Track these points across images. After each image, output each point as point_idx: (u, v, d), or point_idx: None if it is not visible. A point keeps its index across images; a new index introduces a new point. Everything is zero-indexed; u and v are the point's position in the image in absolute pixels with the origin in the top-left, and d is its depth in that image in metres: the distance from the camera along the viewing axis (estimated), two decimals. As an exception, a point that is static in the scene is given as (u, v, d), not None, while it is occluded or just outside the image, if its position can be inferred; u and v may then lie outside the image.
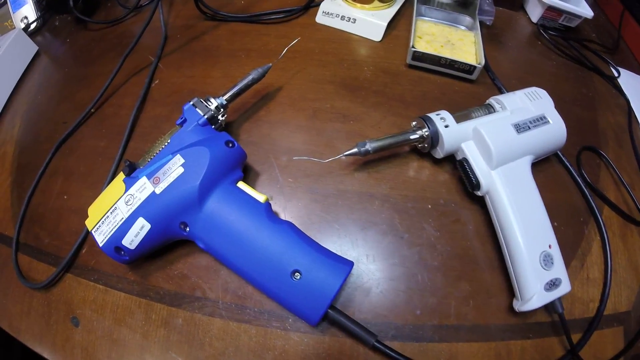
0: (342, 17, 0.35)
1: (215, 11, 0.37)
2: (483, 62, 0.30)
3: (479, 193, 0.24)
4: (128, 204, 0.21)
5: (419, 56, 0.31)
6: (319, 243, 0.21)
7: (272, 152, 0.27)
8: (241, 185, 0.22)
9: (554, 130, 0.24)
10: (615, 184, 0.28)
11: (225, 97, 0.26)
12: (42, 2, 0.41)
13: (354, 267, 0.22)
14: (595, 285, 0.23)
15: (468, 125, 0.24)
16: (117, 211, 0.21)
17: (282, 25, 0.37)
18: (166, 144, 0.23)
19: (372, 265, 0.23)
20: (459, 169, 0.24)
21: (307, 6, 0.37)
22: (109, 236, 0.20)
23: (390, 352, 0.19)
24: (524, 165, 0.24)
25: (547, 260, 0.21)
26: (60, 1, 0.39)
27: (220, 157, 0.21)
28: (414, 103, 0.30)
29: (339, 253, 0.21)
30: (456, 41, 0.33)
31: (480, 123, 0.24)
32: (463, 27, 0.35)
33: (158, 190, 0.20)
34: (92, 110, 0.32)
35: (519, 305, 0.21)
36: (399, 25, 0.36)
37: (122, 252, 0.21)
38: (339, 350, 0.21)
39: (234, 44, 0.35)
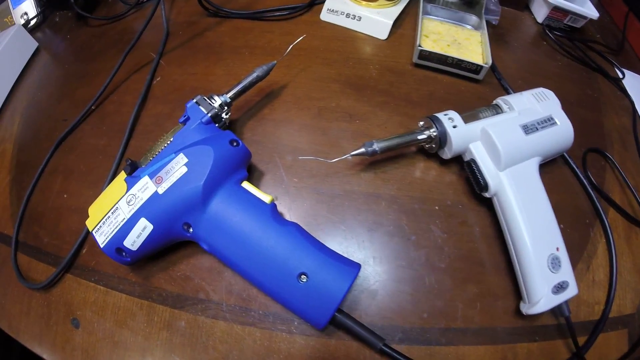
0: (347, 15, 0.34)
1: (218, 7, 0.37)
2: (490, 62, 0.30)
3: (486, 195, 0.23)
4: (130, 204, 0.20)
5: (426, 55, 0.30)
6: (325, 245, 0.20)
7: (277, 152, 0.27)
8: (246, 185, 0.21)
9: (562, 132, 0.24)
10: (620, 186, 0.28)
11: (229, 94, 0.25)
12: (42, -2, 0.40)
13: (361, 269, 0.21)
14: (600, 288, 0.23)
15: (476, 126, 0.24)
16: (118, 211, 0.20)
17: (286, 22, 0.36)
18: (169, 142, 0.22)
19: (378, 268, 0.23)
20: (466, 170, 0.24)
21: (311, 3, 0.37)
22: (110, 237, 0.20)
23: (398, 356, 0.19)
24: (532, 167, 0.23)
25: (554, 263, 0.21)
26: (60, -3, 0.39)
27: (225, 157, 0.21)
28: (420, 103, 0.30)
29: (345, 255, 0.21)
30: (463, 40, 0.33)
31: (488, 124, 0.23)
32: (469, 27, 0.35)
33: (161, 190, 0.20)
34: (93, 107, 0.31)
35: (527, 308, 0.21)
36: (404, 23, 0.36)
37: (124, 254, 0.20)
38: (345, 354, 0.20)
39: (237, 41, 0.35)
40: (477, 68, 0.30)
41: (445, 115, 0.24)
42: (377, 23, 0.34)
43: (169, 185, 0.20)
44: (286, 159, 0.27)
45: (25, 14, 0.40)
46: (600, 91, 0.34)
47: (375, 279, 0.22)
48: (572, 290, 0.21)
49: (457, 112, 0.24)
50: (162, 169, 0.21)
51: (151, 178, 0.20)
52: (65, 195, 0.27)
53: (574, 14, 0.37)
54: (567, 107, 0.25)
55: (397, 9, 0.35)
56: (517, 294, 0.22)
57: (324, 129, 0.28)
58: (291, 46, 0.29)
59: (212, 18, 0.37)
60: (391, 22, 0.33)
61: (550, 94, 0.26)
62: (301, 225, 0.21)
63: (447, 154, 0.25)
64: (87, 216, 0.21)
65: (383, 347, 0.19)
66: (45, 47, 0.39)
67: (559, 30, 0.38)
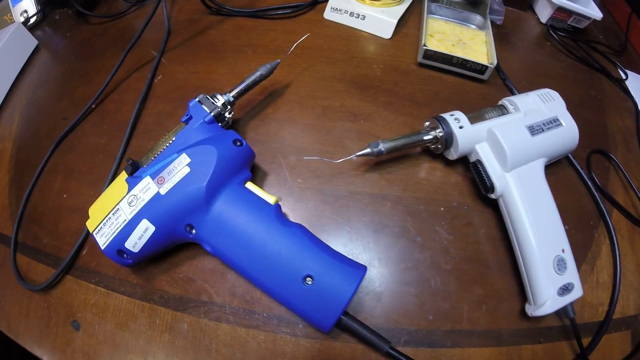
0: (351, 14, 0.34)
1: (220, 5, 0.36)
2: (495, 62, 0.30)
3: (492, 196, 0.23)
4: (131, 204, 0.20)
5: (431, 55, 0.30)
6: (330, 246, 0.20)
7: (281, 152, 0.27)
8: (250, 185, 0.21)
9: (567, 133, 0.24)
10: (624, 188, 0.28)
11: (233, 93, 0.25)
12: (42, -5, 0.40)
13: (366, 271, 0.21)
14: (604, 289, 0.23)
15: (482, 127, 0.24)
16: (119, 212, 0.20)
17: (289, 20, 0.36)
18: (171, 142, 0.22)
19: (384, 269, 0.22)
20: (472, 171, 0.24)
21: (314, 2, 0.36)
22: (111, 238, 0.20)
23: (405, 359, 0.19)
24: (538, 168, 0.23)
25: (560, 265, 0.21)
26: (60, -6, 0.38)
27: (228, 157, 0.21)
28: (425, 103, 0.29)
29: (350, 257, 0.20)
30: (467, 40, 0.32)
31: (494, 124, 0.23)
32: (473, 26, 0.35)
33: (163, 191, 0.20)
34: (93, 106, 0.31)
35: (532, 310, 0.21)
36: (408, 22, 0.35)
37: (125, 255, 0.20)
38: (351, 356, 0.20)
39: (239, 39, 0.34)
40: (482, 68, 0.30)
41: (451, 115, 0.24)
42: (381, 22, 0.33)
43: (172, 185, 0.20)
44: (290, 159, 0.26)
45: (25, 11, 0.39)
46: (603, 92, 0.34)
47: (381, 281, 0.22)
48: (577, 292, 0.21)
49: (463, 113, 0.24)
50: (164, 169, 0.20)
51: (153, 178, 0.20)
52: (65, 195, 0.27)
53: (577, 15, 0.36)
54: (571, 108, 0.25)
55: (401, 8, 0.34)
56: (522, 296, 0.22)
57: (328, 128, 0.28)
58: (295, 45, 0.28)
59: (214, 16, 0.37)
60: (395, 21, 0.33)
61: (555, 95, 0.26)
62: (305, 226, 0.20)
63: (453, 155, 0.24)
64: (87, 216, 0.21)
65: (389, 350, 0.19)
66: (45, 45, 0.38)
67: (562, 31, 0.38)
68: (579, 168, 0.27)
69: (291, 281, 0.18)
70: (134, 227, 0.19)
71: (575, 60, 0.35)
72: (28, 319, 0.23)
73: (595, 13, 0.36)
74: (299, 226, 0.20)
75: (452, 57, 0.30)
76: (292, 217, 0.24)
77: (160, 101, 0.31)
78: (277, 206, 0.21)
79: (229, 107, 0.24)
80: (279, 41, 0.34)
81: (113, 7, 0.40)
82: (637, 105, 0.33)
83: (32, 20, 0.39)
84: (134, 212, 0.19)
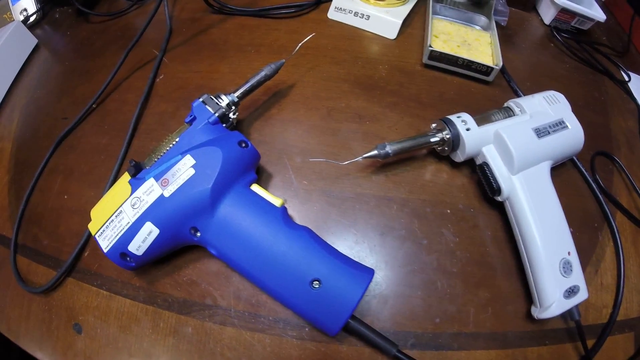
0: (356, 14, 0.34)
1: (223, 4, 0.36)
2: (501, 63, 0.29)
3: (499, 198, 0.23)
4: (134, 207, 0.19)
5: (436, 56, 0.30)
6: (337, 249, 0.20)
7: (286, 153, 0.26)
8: (255, 188, 0.21)
9: (573, 136, 0.24)
10: (627, 190, 0.28)
11: (237, 94, 0.25)
12: (42, -7, 0.39)
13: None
14: (608, 292, 0.23)
15: (489, 129, 0.23)
16: (122, 215, 0.19)
17: (292, 20, 0.36)
18: (174, 143, 0.21)
19: (390, 272, 0.22)
20: (478, 174, 0.24)
21: (318, 1, 0.36)
22: (114, 241, 0.19)
23: (412, 364, 0.19)
24: (544, 171, 0.23)
25: (566, 268, 0.21)
26: (60, -8, 0.38)
27: (234, 158, 0.20)
28: (430, 104, 0.29)
29: (356, 259, 0.20)
30: (472, 41, 0.32)
31: (501, 127, 0.23)
32: (478, 27, 0.34)
33: (167, 193, 0.19)
34: (94, 105, 0.31)
35: (538, 313, 0.21)
36: (412, 23, 0.35)
37: (129, 259, 0.20)
38: (357, 360, 0.20)
39: (242, 38, 0.34)
40: (487, 69, 0.30)
41: (458, 117, 0.24)
42: (386, 22, 0.33)
43: (176, 188, 0.19)
44: (295, 160, 0.26)
45: (25, 10, 0.39)
46: (607, 94, 0.34)
47: (387, 284, 0.22)
48: (582, 295, 0.21)
49: (470, 115, 0.24)
50: (168, 171, 0.20)
51: (157, 180, 0.20)
52: (65, 196, 0.26)
53: (581, 16, 0.36)
54: (574, 110, 0.25)
55: (406, 9, 0.34)
56: (528, 298, 0.22)
57: (334, 130, 0.28)
58: (300, 44, 0.28)
59: (216, 15, 0.37)
60: (400, 22, 0.33)
61: (560, 97, 0.26)
62: (311, 228, 0.20)
63: (459, 157, 0.24)
64: (89, 217, 0.21)
65: (397, 354, 0.19)
66: (44, 43, 0.38)
67: (566, 32, 0.38)
68: (583, 170, 0.27)
69: (298, 285, 0.18)
70: (138, 230, 0.19)
71: (579, 61, 0.35)
72: (29, 321, 0.23)
73: (599, 15, 0.36)
74: (306, 229, 0.20)
75: (458, 58, 0.30)
76: (298, 220, 0.24)
77: (163, 101, 0.30)
78: (284, 209, 0.20)
79: (233, 107, 0.24)
80: (283, 41, 0.33)
81: (114, 6, 0.40)
82: (639, 107, 0.33)
83: (32, 18, 0.39)
84: (138, 215, 0.19)
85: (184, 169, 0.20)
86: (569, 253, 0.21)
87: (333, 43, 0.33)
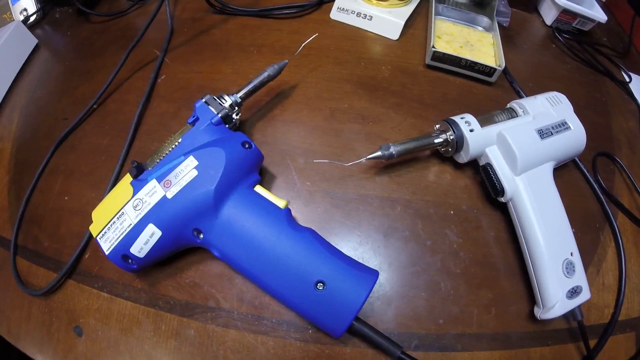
0: (358, 14, 0.34)
1: (225, 4, 0.36)
2: (503, 64, 0.30)
3: (502, 199, 0.23)
4: (136, 208, 0.19)
5: (439, 56, 0.30)
6: (341, 251, 0.20)
7: (289, 154, 0.26)
8: (259, 189, 0.21)
9: (575, 136, 0.24)
10: (629, 190, 0.28)
11: (240, 94, 0.25)
12: (42, -7, 0.39)
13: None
14: (610, 292, 0.23)
15: (492, 130, 0.23)
16: (124, 216, 0.19)
17: (294, 20, 0.35)
18: (177, 143, 0.21)
19: (394, 273, 0.22)
20: (482, 175, 0.24)
21: (320, 1, 0.36)
22: (115, 243, 0.19)
23: (416, 366, 0.19)
24: (547, 172, 0.23)
25: (569, 268, 0.21)
26: (60, -8, 0.38)
27: (237, 159, 0.20)
28: (433, 105, 0.29)
29: (360, 261, 0.20)
30: (475, 42, 0.32)
31: (504, 128, 0.23)
32: (480, 28, 0.34)
33: (169, 195, 0.19)
34: (95, 106, 0.30)
35: (541, 313, 0.21)
36: (414, 24, 0.35)
37: (130, 261, 0.19)
38: (361, 363, 0.20)
39: (244, 39, 0.34)
40: (490, 70, 0.30)
41: (462, 118, 0.24)
42: (388, 23, 0.33)
43: (179, 189, 0.19)
44: (298, 161, 0.26)
45: (25, 10, 0.38)
46: (608, 94, 0.34)
47: (391, 285, 0.22)
48: (585, 295, 0.21)
49: (473, 116, 0.24)
50: (170, 172, 0.20)
51: (159, 181, 0.20)
52: (66, 197, 0.26)
53: (582, 17, 0.37)
54: (576, 111, 0.25)
55: (409, 9, 0.34)
56: (531, 299, 0.22)
57: (337, 130, 0.27)
58: (303, 44, 0.28)
59: (218, 15, 0.36)
60: (403, 22, 0.33)
61: (563, 98, 0.26)
62: (315, 230, 0.20)
63: (463, 158, 0.24)
64: (89, 219, 0.20)
65: (401, 355, 0.19)
66: (45, 43, 0.38)
67: (567, 33, 0.38)
68: (585, 171, 0.27)
69: (302, 287, 0.18)
70: (140, 232, 0.19)
71: (580, 62, 0.35)
72: (29, 324, 0.22)
73: (600, 15, 0.36)
74: (310, 230, 0.20)
75: (461, 59, 0.30)
76: (301, 221, 0.24)
77: (164, 101, 0.30)
78: (287, 210, 0.20)
79: (236, 108, 0.24)
80: (285, 41, 0.33)
81: (114, 6, 0.40)
82: (640, 108, 0.34)
83: (32, 18, 0.39)
84: (140, 217, 0.19)
85: (187, 170, 0.20)
86: (571, 254, 0.21)
87: (335, 43, 0.33)
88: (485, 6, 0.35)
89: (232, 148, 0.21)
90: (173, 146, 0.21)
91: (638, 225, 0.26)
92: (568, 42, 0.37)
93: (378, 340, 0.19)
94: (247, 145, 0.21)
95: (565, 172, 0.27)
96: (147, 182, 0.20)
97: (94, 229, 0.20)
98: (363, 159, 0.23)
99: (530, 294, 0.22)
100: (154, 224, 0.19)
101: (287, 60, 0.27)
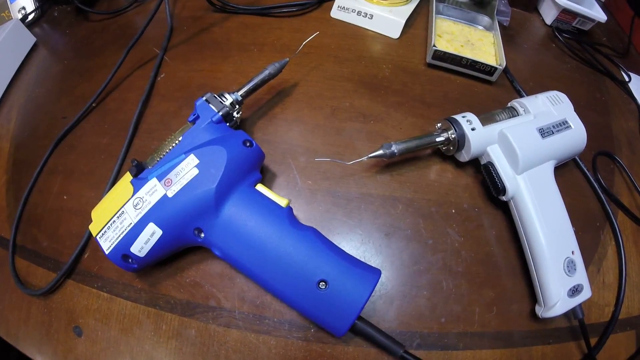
0: (359, 13, 0.34)
1: (225, 2, 0.36)
2: (504, 63, 0.30)
3: (503, 198, 0.23)
4: (137, 207, 0.19)
5: (440, 55, 0.30)
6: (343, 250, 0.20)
7: (290, 153, 0.26)
8: (260, 188, 0.21)
9: (576, 136, 0.24)
10: (628, 189, 0.28)
11: (241, 92, 0.24)
12: (40, -9, 0.39)
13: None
14: (610, 290, 0.23)
15: (493, 129, 0.24)
16: (124, 215, 0.19)
17: (295, 18, 0.35)
18: (177, 142, 0.21)
19: (396, 272, 0.22)
20: (483, 173, 0.24)
21: (321, 0, 0.36)
22: (115, 243, 0.19)
23: (419, 364, 0.19)
24: (548, 170, 0.23)
25: (570, 267, 0.21)
26: (59, -10, 0.37)
27: (238, 158, 0.20)
28: (434, 104, 0.29)
29: (362, 260, 0.20)
30: (476, 41, 0.32)
31: (505, 127, 0.23)
32: (481, 27, 0.35)
33: (170, 194, 0.19)
34: (94, 104, 0.30)
35: (542, 312, 0.21)
36: (415, 23, 0.35)
37: (131, 260, 0.19)
38: (364, 362, 0.20)
39: (245, 37, 0.34)
40: (491, 69, 0.30)
41: (463, 117, 0.24)
42: (389, 21, 0.33)
43: (179, 188, 0.19)
44: (299, 160, 0.26)
45: (23, 8, 0.38)
46: (608, 94, 0.34)
47: (393, 284, 0.22)
48: (586, 293, 0.21)
49: (474, 114, 0.24)
50: (171, 171, 0.20)
51: (159, 180, 0.19)
52: (65, 197, 0.26)
53: (582, 17, 0.37)
54: (576, 110, 0.25)
55: (409, 8, 0.34)
56: (532, 297, 0.22)
57: (338, 129, 0.27)
58: (304, 43, 0.28)
59: (218, 13, 0.36)
60: (403, 21, 0.33)
61: (563, 97, 0.26)
62: (316, 229, 0.20)
63: (464, 157, 0.24)
64: (89, 218, 0.20)
65: (404, 354, 0.19)
66: (43, 42, 0.37)
67: (567, 33, 0.38)
68: (585, 170, 0.27)
69: (305, 286, 0.18)
70: (140, 231, 0.19)
71: (580, 62, 0.36)
72: (28, 324, 0.22)
73: (600, 15, 0.36)
74: (312, 229, 0.19)
75: (462, 58, 0.30)
76: (303, 220, 0.24)
77: (164, 100, 0.30)
78: (289, 209, 0.20)
79: (237, 106, 0.24)
80: (285, 39, 0.33)
81: (113, 4, 0.40)
82: (640, 107, 0.34)
83: (30, 17, 0.38)
84: (140, 216, 0.19)
85: (188, 168, 0.19)
86: (572, 252, 0.21)
87: (336, 42, 0.33)
88: (486, 5, 0.35)
89: (233, 146, 0.20)
90: (173, 145, 0.21)
91: (638, 224, 0.26)
92: (568, 42, 0.37)
93: (380, 340, 0.19)
94: (248, 144, 0.21)
95: (565, 171, 0.27)
96: (148, 180, 0.20)
97: (93, 229, 0.20)
98: (364, 158, 0.23)
99: (531, 293, 0.22)
100: (155, 223, 0.19)
101: (288, 59, 0.26)
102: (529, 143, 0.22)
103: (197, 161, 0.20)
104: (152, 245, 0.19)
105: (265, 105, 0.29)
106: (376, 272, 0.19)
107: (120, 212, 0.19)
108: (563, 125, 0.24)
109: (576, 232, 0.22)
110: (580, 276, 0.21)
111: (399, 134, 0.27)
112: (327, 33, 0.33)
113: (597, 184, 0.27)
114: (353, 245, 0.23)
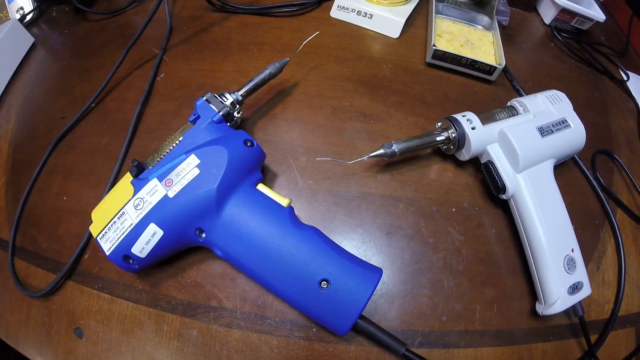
0: (359, 12, 0.34)
1: (225, 2, 0.36)
2: (504, 63, 0.30)
3: (503, 197, 0.23)
4: (137, 208, 0.19)
5: (440, 55, 0.30)
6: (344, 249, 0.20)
7: (290, 152, 0.26)
8: (261, 187, 0.21)
9: (575, 134, 0.24)
10: (627, 188, 0.28)
11: (241, 92, 0.24)
12: (39, -9, 0.39)
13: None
14: (610, 288, 0.23)
15: (493, 128, 0.24)
16: (125, 216, 0.19)
17: (295, 18, 0.35)
18: (178, 142, 0.21)
19: (397, 271, 0.22)
20: (483, 172, 0.24)
21: (321, 0, 0.36)
22: (116, 244, 0.19)
23: (421, 363, 0.19)
24: (547, 169, 0.23)
25: (570, 264, 0.21)
26: (57, -10, 0.37)
27: (239, 158, 0.20)
28: (435, 103, 0.29)
29: (363, 259, 0.20)
30: (475, 41, 0.32)
31: (505, 126, 0.23)
32: (480, 27, 0.35)
33: (171, 194, 0.19)
34: (93, 104, 0.30)
35: (543, 309, 0.21)
36: (415, 22, 0.35)
37: (131, 261, 0.19)
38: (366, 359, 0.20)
39: (245, 37, 0.34)
40: (490, 69, 0.30)
41: (463, 116, 0.24)
42: (389, 21, 0.33)
43: (180, 188, 0.19)
44: (300, 159, 0.26)
45: (21, 8, 0.38)
46: (607, 93, 0.34)
47: (394, 283, 0.22)
48: (586, 291, 0.21)
49: (474, 114, 0.24)
50: (172, 171, 0.20)
51: (160, 180, 0.19)
52: (64, 197, 0.26)
53: (580, 16, 0.37)
54: (575, 109, 0.25)
55: (409, 8, 0.34)
56: (532, 295, 0.22)
57: (339, 129, 0.27)
58: (304, 42, 0.28)
59: (218, 13, 0.36)
60: (403, 21, 0.33)
61: (563, 96, 0.26)
62: (318, 228, 0.20)
63: (464, 156, 0.24)
64: (89, 219, 0.20)
65: (405, 353, 0.19)
66: (41, 42, 0.37)
67: (566, 32, 0.38)
68: (585, 169, 0.27)
69: (307, 285, 0.18)
70: (141, 232, 0.19)
71: (579, 61, 0.36)
72: (28, 326, 0.22)
73: (598, 15, 0.36)
74: (314, 229, 0.20)
75: (462, 57, 0.30)
76: (304, 219, 0.23)
77: (164, 100, 0.30)
78: (290, 208, 0.20)
79: (237, 106, 0.24)
80: (286, 39, 0.33)
81: (112, 4, 0.39)
82: (638, 107, 0.34)
83: (29, 17, 0.38)
84: (141, 216, 0.19)
85: (189, 168, 0.19)
86: (572, 250, 0.21)
87: (336, 42, 0.33)
88: (485, 5, 0.35)
89: (234, 146, 0.20)
90: (174, 145, 0.21)
91: (637, 222, 0.26)
92: (567, 41, 0.37)
93: (382, 338, 0.19)
94: (249, 144, 0.21)
95: (565, 170, 0.27)
96: (148, 181, 0.20)
97: (94, 229, 0.20)
98: (365, 157, 0.23)
99: (532, 291, 0.22)
100: (156, 224, 0.19)
101: (288, 58, 0.26)
102: (529, 142, 0.23)
103: (198, 161, 0.20)
104: (153, 245, 0.19)
105: (265, 105, 0.29)
106: (378, 271, 0.19)
107: (120, 212, 0.19)
108: (562, 124, 0.24)
109: (576, 230, 0.22)
110: (580, 274, 0.21)
111: (399, 133, 0.27)
112: (327, 33, 0.33)
113: (597, 182, 0.27)
114: (354, 244, 0.23)
